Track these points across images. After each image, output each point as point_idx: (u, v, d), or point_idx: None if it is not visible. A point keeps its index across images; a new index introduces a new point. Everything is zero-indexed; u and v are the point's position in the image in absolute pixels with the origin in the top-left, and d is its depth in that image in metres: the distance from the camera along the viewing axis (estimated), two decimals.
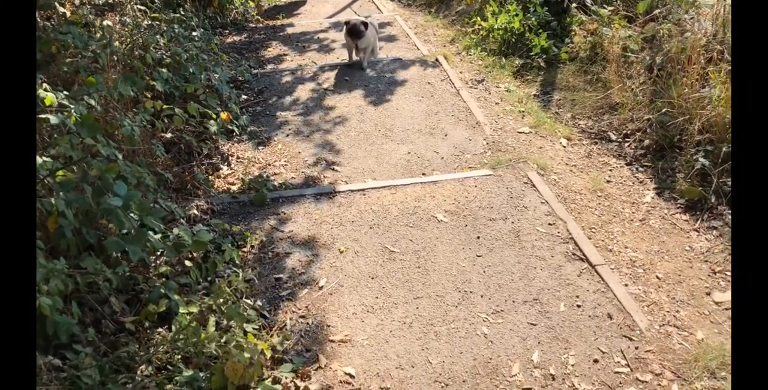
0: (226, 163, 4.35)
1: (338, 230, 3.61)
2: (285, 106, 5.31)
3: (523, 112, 5.04)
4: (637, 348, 2.80)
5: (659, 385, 2.63)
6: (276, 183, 4.09)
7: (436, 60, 6.09)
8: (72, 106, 2.77)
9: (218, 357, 2.34)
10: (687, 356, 2.75)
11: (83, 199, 2.29)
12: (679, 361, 2.73)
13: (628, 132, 4.52)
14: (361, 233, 3.58)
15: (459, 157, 4.42)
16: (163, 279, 2.87)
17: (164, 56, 4.50)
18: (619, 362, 2.74)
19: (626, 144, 4.45)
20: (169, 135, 4.00)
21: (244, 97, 5.45)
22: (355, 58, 6.00)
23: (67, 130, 2.45)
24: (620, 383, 2.64)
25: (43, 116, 2.43)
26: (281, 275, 3.26)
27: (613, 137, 4.56)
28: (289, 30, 7.55)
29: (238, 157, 4.47)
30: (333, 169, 4.32)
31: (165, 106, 3.91)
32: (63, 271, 2.18)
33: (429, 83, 5.59)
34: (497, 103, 5.23)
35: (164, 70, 4.34)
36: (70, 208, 2.37)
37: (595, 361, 2.74)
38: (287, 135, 4.82)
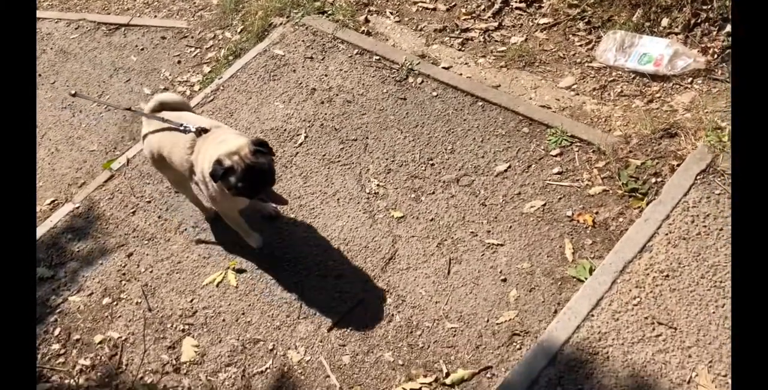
0: None
1: None
2: None
3: None
4: (196, 42, 3.84)
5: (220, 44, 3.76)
6: None
7: None
8: None
9: None
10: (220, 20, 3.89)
11: None
12: (217, 19, 3.88)
13: None
14: None
15: None
16: None
17: None
18: (190, 54, 3.78)
19: None
20: None
21: None
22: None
23: None
24: (200, 60, 3.70)
25: None
26: None
27: None
28: None
29: None
30: None
31: None
32: None
33: None
34: None
35: None
36: None
37: (179, 62, 3.74)
38: None
